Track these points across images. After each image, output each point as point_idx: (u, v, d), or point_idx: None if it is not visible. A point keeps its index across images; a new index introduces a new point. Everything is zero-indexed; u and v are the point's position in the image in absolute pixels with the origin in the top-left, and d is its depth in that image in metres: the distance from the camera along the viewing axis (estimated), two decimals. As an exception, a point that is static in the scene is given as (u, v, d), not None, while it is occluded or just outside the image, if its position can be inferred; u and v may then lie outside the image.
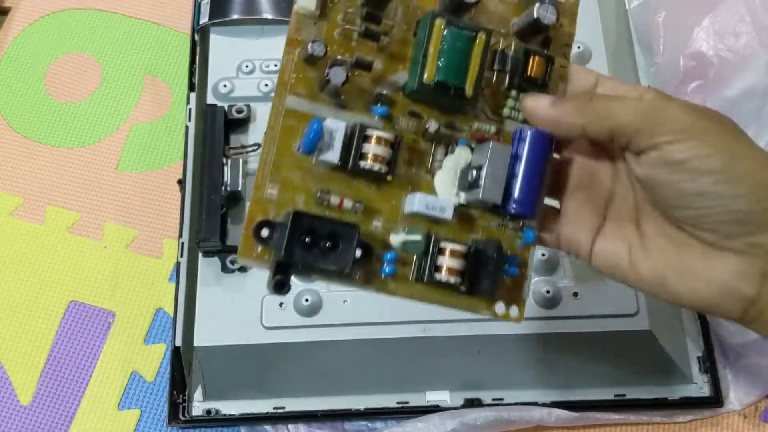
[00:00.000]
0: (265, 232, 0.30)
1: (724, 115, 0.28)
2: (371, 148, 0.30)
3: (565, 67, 0.32)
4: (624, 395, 0.49)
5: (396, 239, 0.31)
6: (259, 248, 0.30)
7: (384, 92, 0.31)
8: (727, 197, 0.26)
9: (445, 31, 0.29)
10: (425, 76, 0.29)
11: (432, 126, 0.31)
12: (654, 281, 0.29)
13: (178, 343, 0.48)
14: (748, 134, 0.28)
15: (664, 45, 0.55)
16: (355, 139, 0.30)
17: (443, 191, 0.31)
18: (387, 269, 0.31)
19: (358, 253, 0.29)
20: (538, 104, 0.30)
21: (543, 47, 0.32)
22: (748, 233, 0.26)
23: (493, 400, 0.49)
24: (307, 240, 0.29)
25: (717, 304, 0.28)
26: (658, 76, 0.55)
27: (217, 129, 0.52)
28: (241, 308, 0.49)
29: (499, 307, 0.32)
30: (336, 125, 0.29)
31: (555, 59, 0.32)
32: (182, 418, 0.49)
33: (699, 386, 0.50)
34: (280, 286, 0.29)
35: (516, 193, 0.30)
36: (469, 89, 0.30)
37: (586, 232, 0.31)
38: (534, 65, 0.31)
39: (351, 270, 0.30)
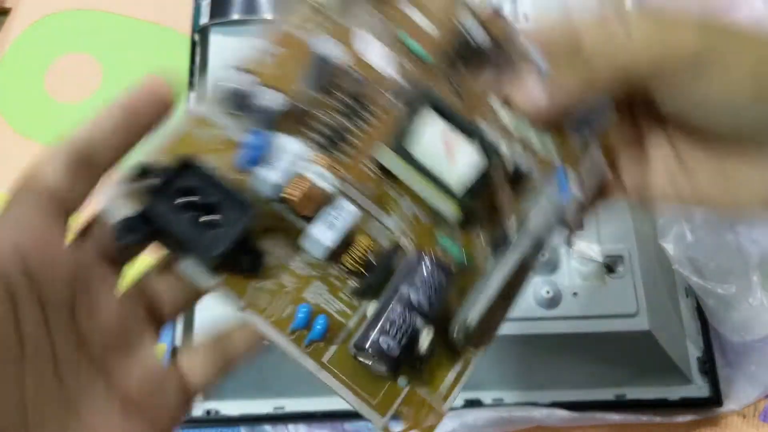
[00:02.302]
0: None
1: (720, 19, 0.25)
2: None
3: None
4: (624, 395, 0.49)
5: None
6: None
7: None
8: (739, 107, 0.24)
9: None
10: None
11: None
12: (711, 198, 0.27)
13: (178, 343, 0.48)
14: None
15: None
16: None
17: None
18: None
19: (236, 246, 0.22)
20: (524, 93, 0.26)
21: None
22: None
23: (493, 400, 0.49)
24: (181, 200, 0.22)
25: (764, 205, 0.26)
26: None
27: (217, 129, 0.52)
28: (241, 308, 0.49)
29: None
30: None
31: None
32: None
33: (698, 386, 0.50)
34: (121, 230, 0.23)
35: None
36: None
37: (641, 176, 0.28)
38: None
39: (215, 263, 0.23)
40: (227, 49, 0.57)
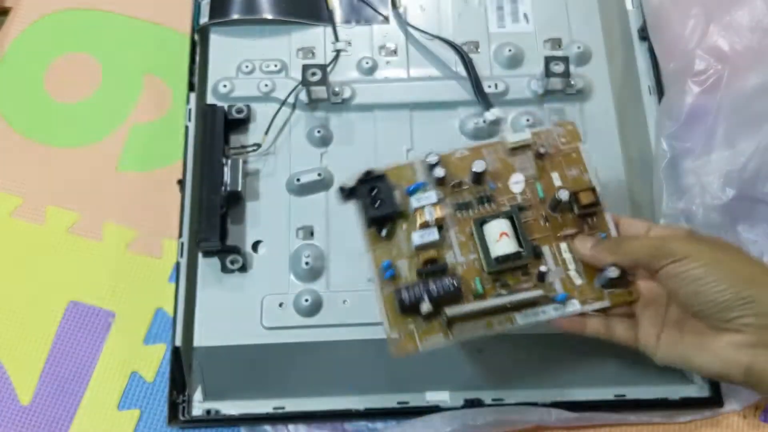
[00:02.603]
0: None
1: (713, 236, 0.40)
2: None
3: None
4: (624, 395, 0.49)
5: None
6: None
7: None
8: (714, 293, 0.36)
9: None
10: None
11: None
12: (683, 360, 0.39)
13: (178, 343, 0.48)
14: (736, 246, 0.38)
15: (678, 39, 0.55)
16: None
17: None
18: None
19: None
20: (582, 245, 0.41)
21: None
22: (737, 316, 0.36)
23: (493, 400, 0.49)
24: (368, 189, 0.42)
25: (725, 372, 0.37)
26: (672, 71, 0.55)
27: (217, 129, 0.52)
28: (241, 308, 0.49)
29: None
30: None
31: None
32: (182, 419, 0.49)
33: (699, 386, 0.50)
34: (341, 191, 0.42)
35: None
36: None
37: (654, 335, 0.40)
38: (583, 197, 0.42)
39: (369, 220, 0.42)
40: (227, 49, 0.57)
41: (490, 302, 0.40)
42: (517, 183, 0.43)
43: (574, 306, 0.41)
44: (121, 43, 0.65)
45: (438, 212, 0.42)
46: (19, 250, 0.57)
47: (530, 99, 0.55)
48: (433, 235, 0.41)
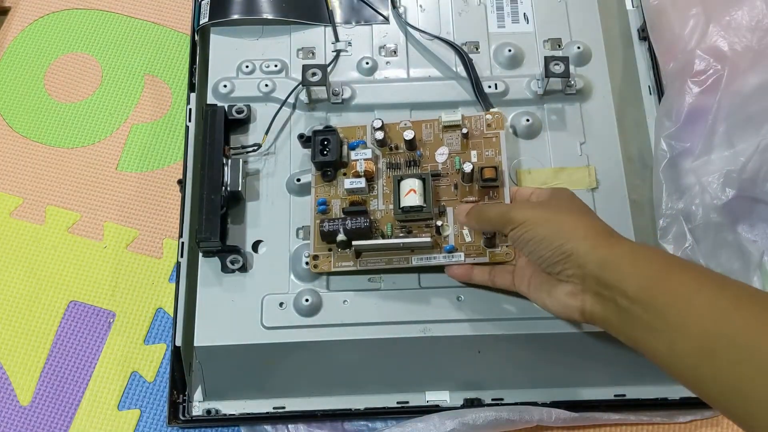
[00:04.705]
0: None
1: (555, 194, 0.46)
2: None
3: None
4: (624, 395, 0.49)
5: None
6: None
7: None
8: (541, 251, 0.42)
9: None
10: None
11: None
12: (541, 303, 0.44)
13: (178, 343, 0.48)
14: (574, 202, 0.45)
15: (677, 39, 0.55)
16: None
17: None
18: None
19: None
20: (459, 212, 0.47)
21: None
22: (562, 270, 0.41)
23: (493, 400, 0.49)
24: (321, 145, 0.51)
25: (566, 315, 0.43)
26: (671, 71, 0.55)
27: (217, 129, 0.52)
28: (241, 308, 0.49)
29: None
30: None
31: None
32: (182, 418, 0.49)
33: (699, 386, 0.50)
34: (304, 138, 0.51)
35: None
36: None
37: (526, 283, 0.47)
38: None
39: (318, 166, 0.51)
40: (227, 49, 0.57)
41: (389, 241, 0.48)
42: (441, 155, 0.50)
43: (459, 257, 0.48)
44: (121, 43, 0.65)
45: (368, 166, 0.50)
46: (20, 250, 0.57)
47: (530, 99, 0.55)
48: (360, 183, 0.49)
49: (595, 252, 0.40)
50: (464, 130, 0.50)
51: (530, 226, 0.42)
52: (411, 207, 0.48)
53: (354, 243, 0.48)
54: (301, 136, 0.52)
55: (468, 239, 0.48)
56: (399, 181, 0.49)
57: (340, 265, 0.49)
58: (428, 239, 0.47)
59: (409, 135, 0.50)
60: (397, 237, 0.48)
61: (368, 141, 0.51)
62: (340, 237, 0.48)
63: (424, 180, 0.49)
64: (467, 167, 0.48)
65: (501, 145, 0.50)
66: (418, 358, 0.49)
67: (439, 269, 0.49)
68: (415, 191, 0.48)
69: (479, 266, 0.48)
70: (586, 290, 0.40)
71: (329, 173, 0.50)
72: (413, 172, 0.50)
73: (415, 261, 0.48)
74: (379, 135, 0.50)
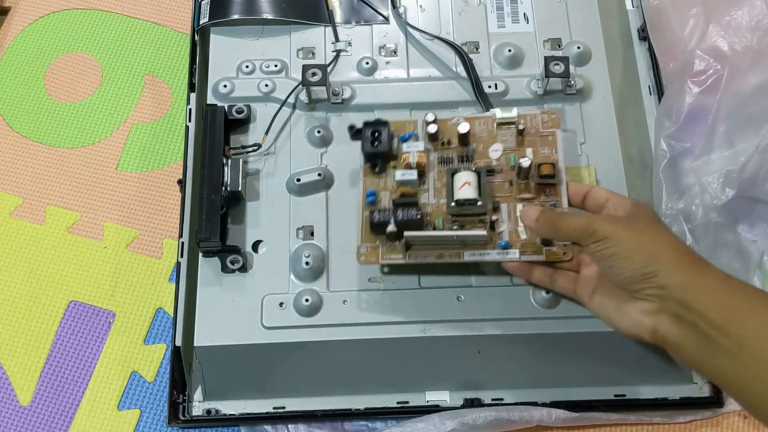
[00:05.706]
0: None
1: (638, 210, 0.44)
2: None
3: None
4: (624, 395, 0.49)
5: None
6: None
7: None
8: (622, 268, 0.41)
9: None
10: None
11: None
12: (606, 318, 0.45)
13: (178, 343, 0.48)
14: (658, 222, 0.44)
15: (677, 39, 0.55)
16: None
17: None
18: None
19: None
20: (527, 216, 0.46)
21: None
22: (642, 288, 0.41)
23: (493, 400, 0.49)
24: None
25: (636, 333, 0.42)
26: (671, 71, 0.55)
27: (217, 129, 0.52)
28: (241, 308, 0.49)
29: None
30: None
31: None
32: (182, 418, 0.49)
33: (699, 386, 0.50)
34: (354, 131, 0.50)
35: None
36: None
37: (588, 293, 0.46)
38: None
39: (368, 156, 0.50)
40: (227, 49, 0.57)
41: (442, 233, 0.47)
42: (495, 151, 0.49)
43: (514, 254, 0.47)
44: (121, 43, 0.65)
45: (420, 158, 0.48)
46: (20, 250, 0.57)
47: (530, 99, 0.55)
48: (412, 175, 0.48)
49: (683, 275, 0.40)
50: (521, 127, 0.49)
51: (615, 242, 0.41)
52: (466, 200, 0.46)
53: (406, 234, 0.46)
54: (351, 128, 0.50)
55: (523, 236, 0.47)
56: (453, 174, 0.47)
57: (389, 257, 0.47)
58: (483, 233, 0.46)
59: (464, 128, 0.48)
60: (450, 230, 0.47)
61: (420, 134, 0.50)
62: (390, 228, 0.46)
63: (479, 174, 0.47)
64: (525, 162, 0.47)
65: (558, 144, 0.49)
66: (418, 358, 0.49)
67: (441, 269, 0.49)
68: (470, 184, 0.46)
69: (540, 267, 0.48)
70: (664, 310, 0.40)
71: (379, 165, 0.49)
72: (467, 167, 0.48)
73: (468, 256, 0.47)
74: (432, 128, 0.49)
